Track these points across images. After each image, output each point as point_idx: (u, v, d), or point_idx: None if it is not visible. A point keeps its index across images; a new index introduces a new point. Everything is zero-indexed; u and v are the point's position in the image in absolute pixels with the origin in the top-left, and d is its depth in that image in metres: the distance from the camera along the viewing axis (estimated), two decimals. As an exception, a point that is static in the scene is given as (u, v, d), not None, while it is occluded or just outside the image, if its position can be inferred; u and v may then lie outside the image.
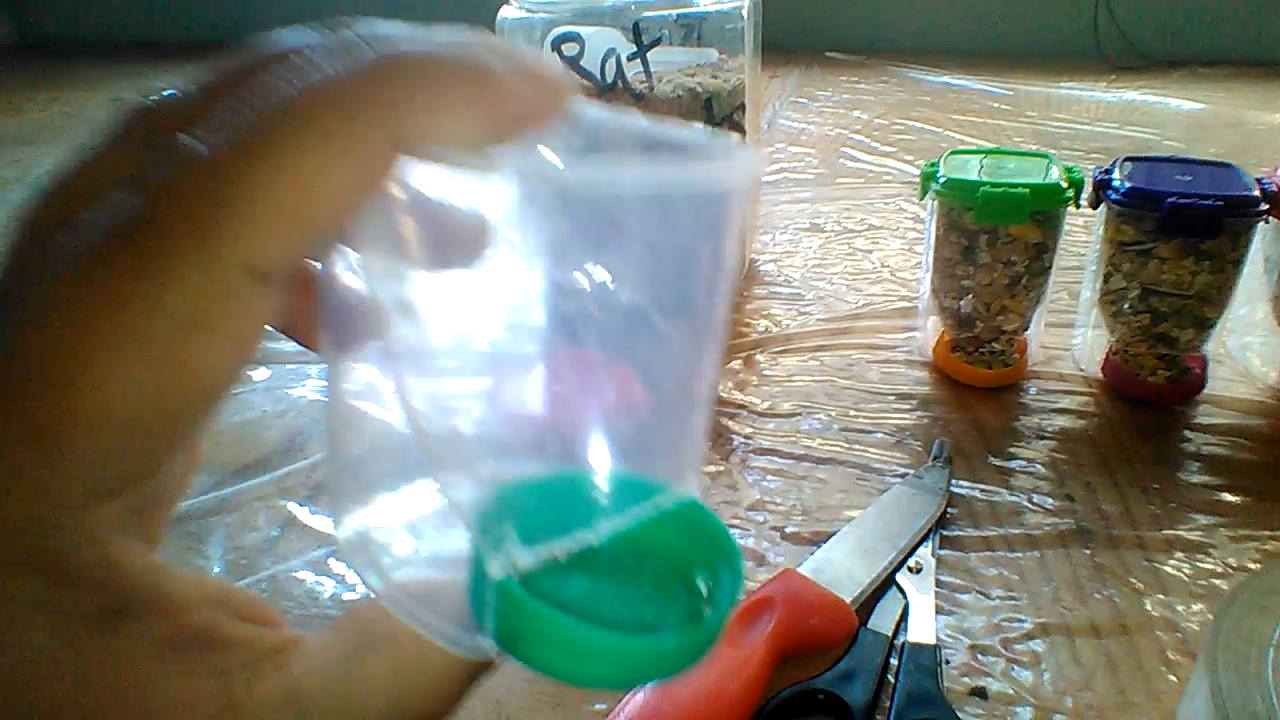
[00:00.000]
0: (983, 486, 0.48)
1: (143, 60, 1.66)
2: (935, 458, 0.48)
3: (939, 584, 0.41)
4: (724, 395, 0.57)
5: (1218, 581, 0.41)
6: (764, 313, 0.67)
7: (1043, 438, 0.52)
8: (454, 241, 0.17)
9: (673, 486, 0.19)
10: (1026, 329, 0.57)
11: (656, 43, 0.58)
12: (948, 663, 0.37)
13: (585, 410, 0.18)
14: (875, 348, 0.62)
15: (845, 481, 0.49)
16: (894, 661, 0.37)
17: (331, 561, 0.44)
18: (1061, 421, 0.54)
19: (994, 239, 0.53)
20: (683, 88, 0.60)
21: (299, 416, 0.56)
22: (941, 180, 0.54)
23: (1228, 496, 0.47)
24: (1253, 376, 0.57)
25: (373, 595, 0.18)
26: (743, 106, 0.62)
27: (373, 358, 0.17)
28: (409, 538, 0.19)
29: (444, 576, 0.18)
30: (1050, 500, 0.47)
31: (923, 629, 0.38)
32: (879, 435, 0.53)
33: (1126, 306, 0.53)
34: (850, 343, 0.63)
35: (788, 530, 0.45)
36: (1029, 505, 0.47)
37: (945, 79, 1.40)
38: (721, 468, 0.50)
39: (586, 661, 0.16)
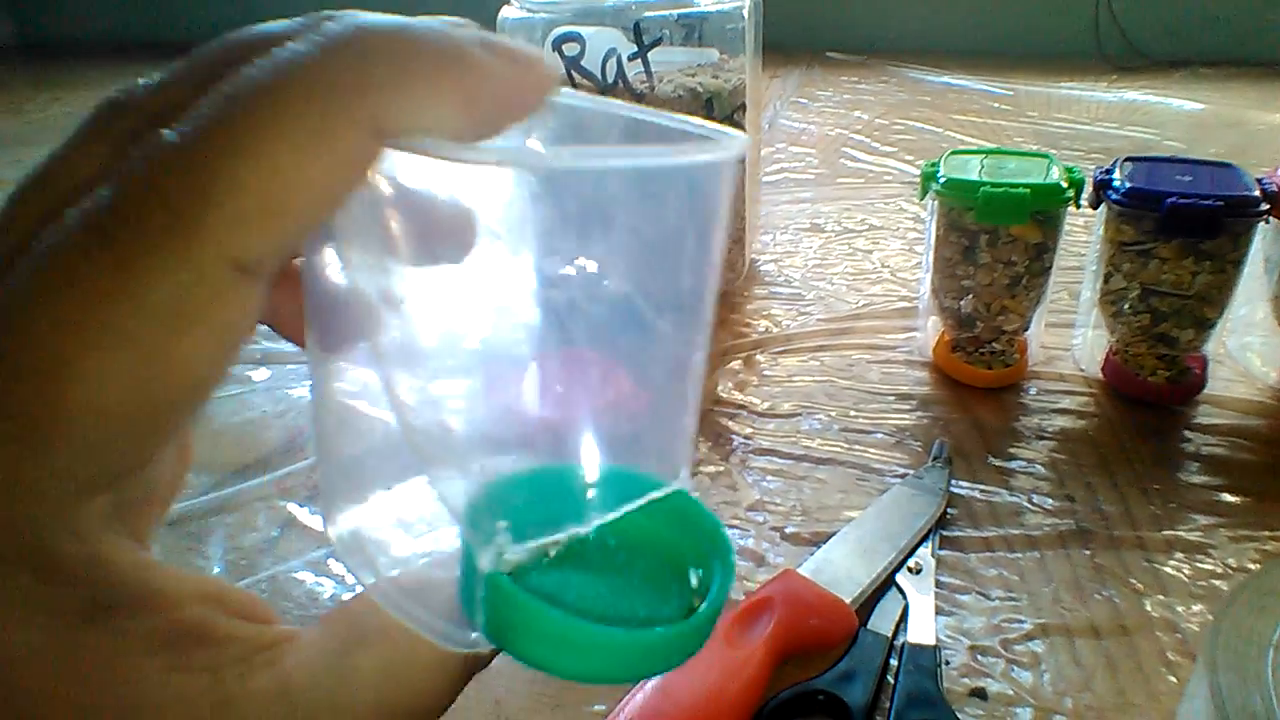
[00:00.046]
0: (983, 487, 0.48)
1: (143, 60, 1.66)
2: (935, 458, 0.48)
3: (939, 584, 0.41)
4: (724, 395, 0.57)
5: (1217, 582, 0.41)
6: (764, 313, 0.67)
7: (1043, 438, 0.52)
8: (440, 236, 0.17)
9: (664, 480, 0.19)
10: (1027, 329, 0.57)
11: (657, 43, 0.58)
12: (947, 663, 0.37)
13: (576, 405, 0.18)
14: (875, 348, 0.62)
15: (845, 482, 0.49)
16: (894, 662, 0.37)
17: (331, 562, 0.44)
18: (1061, 422, 0.54)
19: (994, 239, 0.53)
20: (683, 88, 0.60)
21: (299, 417, 0.56)
22: (942, 180, 0.54)
23: (1227, 497, 0.47)
24: (1253, 377, 0.57)
25: (365, 591, 0.18)
26: (743, 106, 0.62)
27: (360, 354, 0.17)
28: (401, 534, 0.19)
29: (436, 572, 0.18)
30: (1050, 501, 0.47)
31: (922, 630, 0.38)
32: (879, 435, 0.53)
33: (1126, 306, 0.53)
34: (850, 343, 0.63)
35: (787, 530, 0.45)
36: (1029, 506, 0.47)
37: (945, 79, 1.40)
38: (721, 468, 0.50)
39: (575, 655, 0.16)
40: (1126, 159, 0.55)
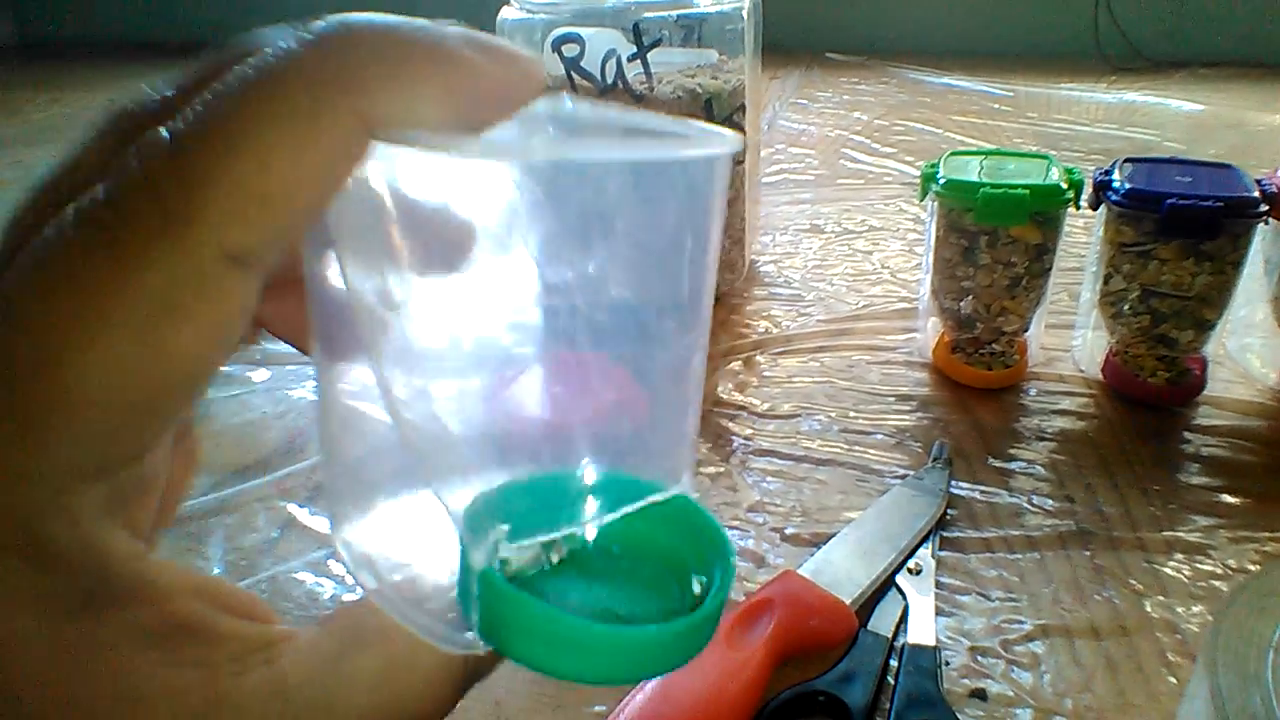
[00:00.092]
0: (983, 488, 0.48)
1: (143, 61, 1.66)
2: (935, 459, 0.48)
3: (939, 585, 0.41)
4: (724, 396, 0.57)
5: (1217, 583, 0.41)
6: (764, 314, 0.67)
7: (1043, 439, 0.52)
8: (439, 241, 0.17)
9: (665, 484, 0.18)
10: (1026, 330, 0.57)
11: (657, 44, 0.58)
12: (947, 664, 0.37)
13: (577, 409, 0.18)
14: (875, 349, 0.62)
15: (845, 483, 0.49)
16: (894, 663, 0.37)
17: (331, 563, 0.44)
18: (1061, 423, 0.54)
19: (994, 240, 0.53)
20: (683, 89, 0.60)
21: (299, 418, 0.56)
22: (942, 181, 0.54)
23: (1227, 498, 0.47)
24: (1252, 378, 0.57)
25: (365, 593, 0.18)
26: (743, 107, 0.62)
27: (362, 359, 0.17)
28: (404, 538, 0.19)
29: (437, 576, 0.18)
30: (1050, 502, 0.47)
31: (922, 630, 0.38)
32: (879, 436, 0.53)
33: (1126, 308, 0.53)
34: (850, 344, 0.63)
35: (787, 531, 0.45)
36: (1029, 507, 0.47)
37: (945, 80, 1.40)
38: (721, 469, 0.50)
39: (570, 655, 0.16)
40: (1126, 160, 0.55)
